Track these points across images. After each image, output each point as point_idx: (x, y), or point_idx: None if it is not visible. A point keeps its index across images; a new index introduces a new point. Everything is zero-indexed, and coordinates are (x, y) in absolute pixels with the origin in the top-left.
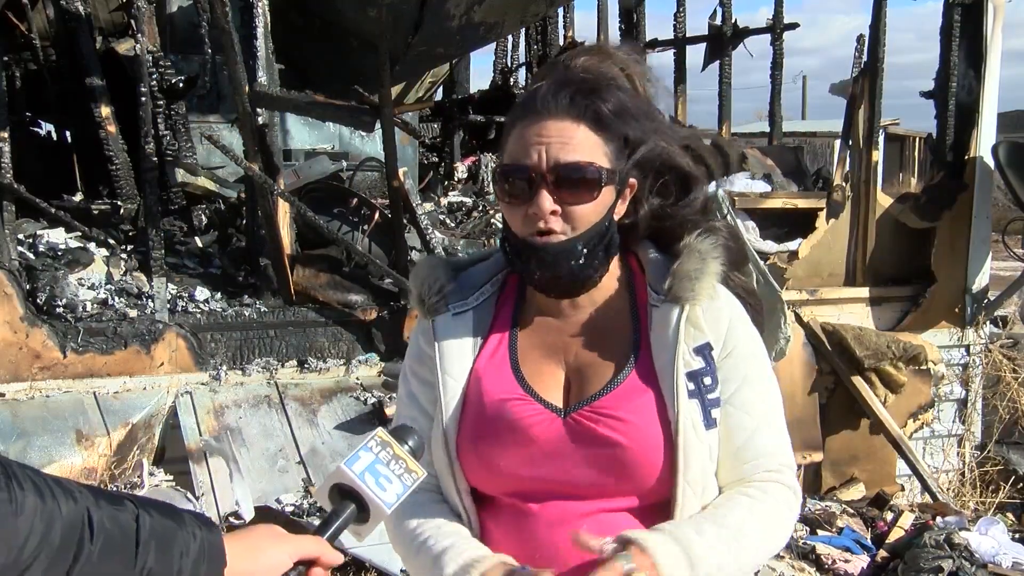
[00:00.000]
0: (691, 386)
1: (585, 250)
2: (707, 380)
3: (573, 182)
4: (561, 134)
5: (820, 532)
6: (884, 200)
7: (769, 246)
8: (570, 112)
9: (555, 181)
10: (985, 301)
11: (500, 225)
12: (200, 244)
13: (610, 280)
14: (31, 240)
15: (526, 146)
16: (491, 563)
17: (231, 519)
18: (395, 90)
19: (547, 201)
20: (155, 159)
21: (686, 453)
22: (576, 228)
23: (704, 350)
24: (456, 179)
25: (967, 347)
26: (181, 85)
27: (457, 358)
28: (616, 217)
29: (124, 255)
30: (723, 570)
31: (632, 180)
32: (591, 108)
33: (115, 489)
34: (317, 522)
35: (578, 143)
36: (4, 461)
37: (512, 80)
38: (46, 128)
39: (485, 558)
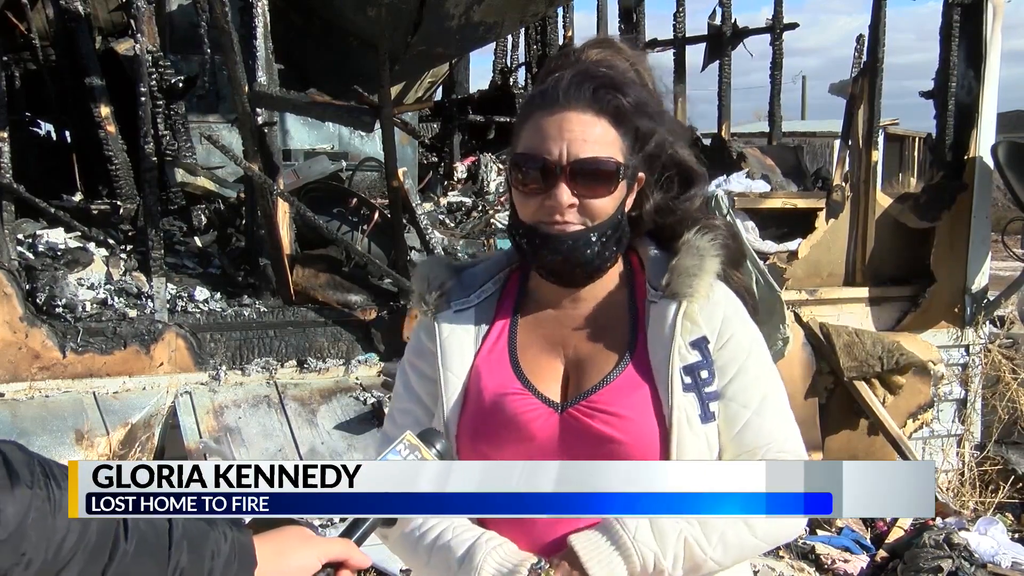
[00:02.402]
0: (688, 380)
1: (599, 241)
2: (704, 374)
3: (592, 176)
4: (583, 128)
5: (819, 532)
6: (884, 200)
7: (769, 246)
8: (592, 105)
9: (573, 175)
10: (985, 301)
11: (500, 225)
12: (200, 244)
13: (611, 275)
14: (31, 240)
15: (546, 138)
16: (532, 563)
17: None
18: (395, 90)
19: (565, 194)
20: (155, 159)
21: (680, 448)
22: (592, 220)
23: (700, 344)
24: (456, 179)
25: (966, 347)
26: (181, 85)
27: (458, 354)
28: (626, 210)
29: (124, 255)
30: (679, 545)
31: (641, 174)
32: (613, 103)
33: None
34: (317, 521)
35: (598, 138)
36: (43, 460)
37: (512, 80)
38: (46, 128)
39: (527, 558)
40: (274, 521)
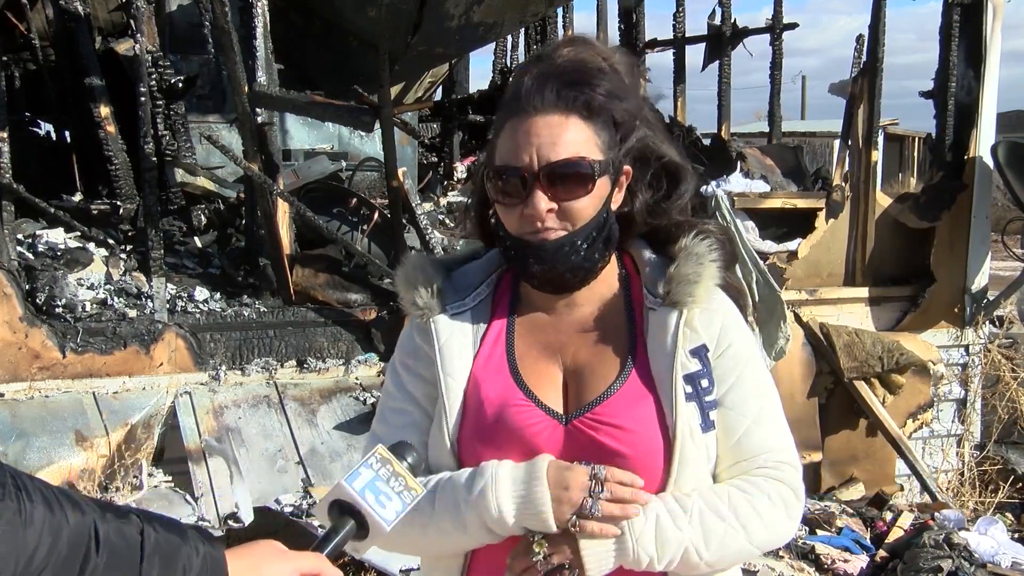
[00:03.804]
0: (688, 389)
1: (585, 244)
2: (704, 382)
3: (566, 178)
4: (551, 131)
5: (819, 532)
6: (883, 200)
7: (769, 246)
8: (558, 106)
9: (548, 180)
10: (984, 301)
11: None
12: (199, 244)
13: (606, 278)
14: (30, 240)
15: (516, 146)
16: (548, 459)
17: (230, 520)
18: (395, 90)
19: (542, 201)
20: (154, 159)
21: (682, 459)
22: (574, 223)
23: (700, 352)
24: (456, 179)
25: (966, 347)
26: (181, 85)
27: (457, 359)
28: (614, 207)
29: (123, 255)
30: (678, 552)
31: (627, 168)
32: (580, 99)
33: (116, 491)
34: (316, 522)
35: (569, 138)
36: (14, 472)
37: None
38: (46, 128)
39: (538, 459)
40: (249, 536)
